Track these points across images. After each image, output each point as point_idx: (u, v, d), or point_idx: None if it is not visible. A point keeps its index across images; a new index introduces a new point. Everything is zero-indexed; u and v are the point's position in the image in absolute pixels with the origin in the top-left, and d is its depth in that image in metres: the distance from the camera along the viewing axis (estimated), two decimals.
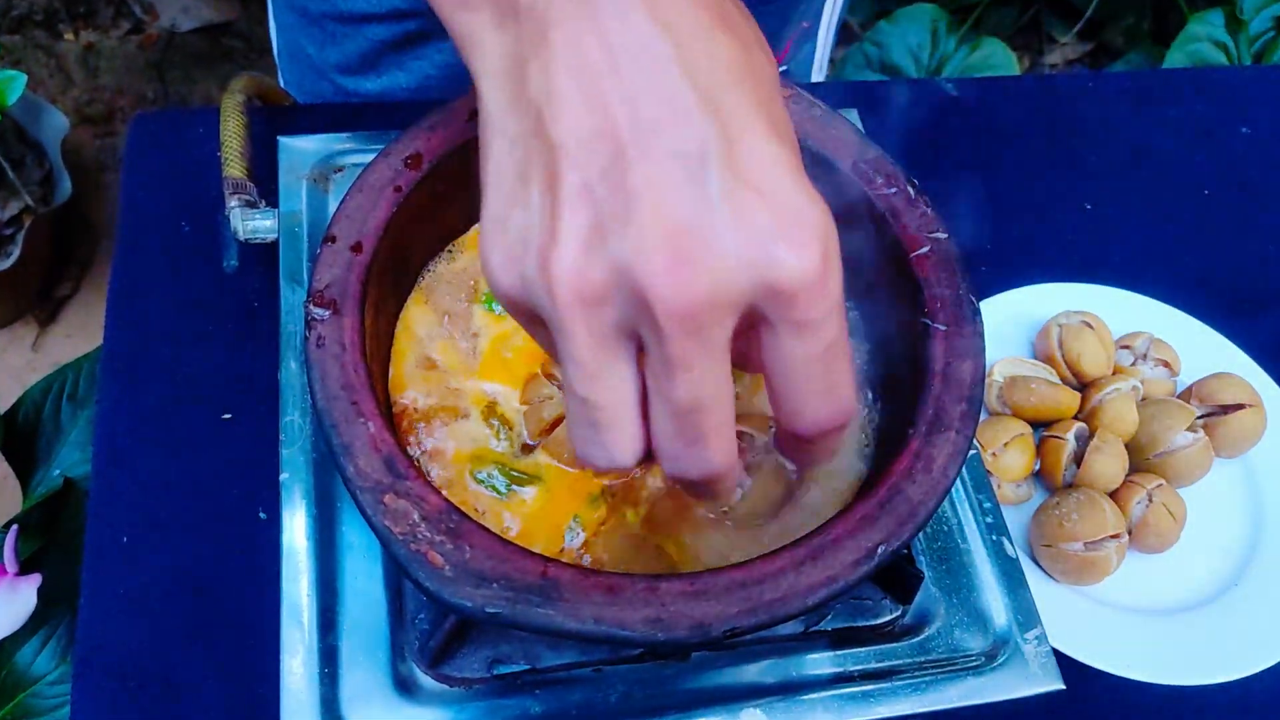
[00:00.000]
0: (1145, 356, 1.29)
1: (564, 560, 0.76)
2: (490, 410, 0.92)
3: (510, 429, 0.91)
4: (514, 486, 0.89)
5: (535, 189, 0.60)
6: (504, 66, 0.64)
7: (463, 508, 0.77)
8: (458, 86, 0.90)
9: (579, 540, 0.87)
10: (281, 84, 1.62)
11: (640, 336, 0.60)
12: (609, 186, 0.58)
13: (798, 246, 0.57)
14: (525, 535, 0.87)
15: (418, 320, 0.95)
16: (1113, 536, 1.14)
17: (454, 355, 0.94)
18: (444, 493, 0.77)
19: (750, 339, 0.63)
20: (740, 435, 0.90)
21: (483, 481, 0.88)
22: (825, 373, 0.63)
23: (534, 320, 0.63)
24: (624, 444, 0.64)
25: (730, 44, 0.61)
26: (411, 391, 0.92)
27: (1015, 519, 1.19)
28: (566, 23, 0.60)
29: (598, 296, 0.58)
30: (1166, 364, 1.28)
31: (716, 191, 0.57)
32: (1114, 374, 1.26)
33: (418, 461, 0.87)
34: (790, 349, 0.61)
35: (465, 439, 0.90)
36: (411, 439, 0.89)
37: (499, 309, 0.96)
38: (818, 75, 1.73)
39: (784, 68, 1.60)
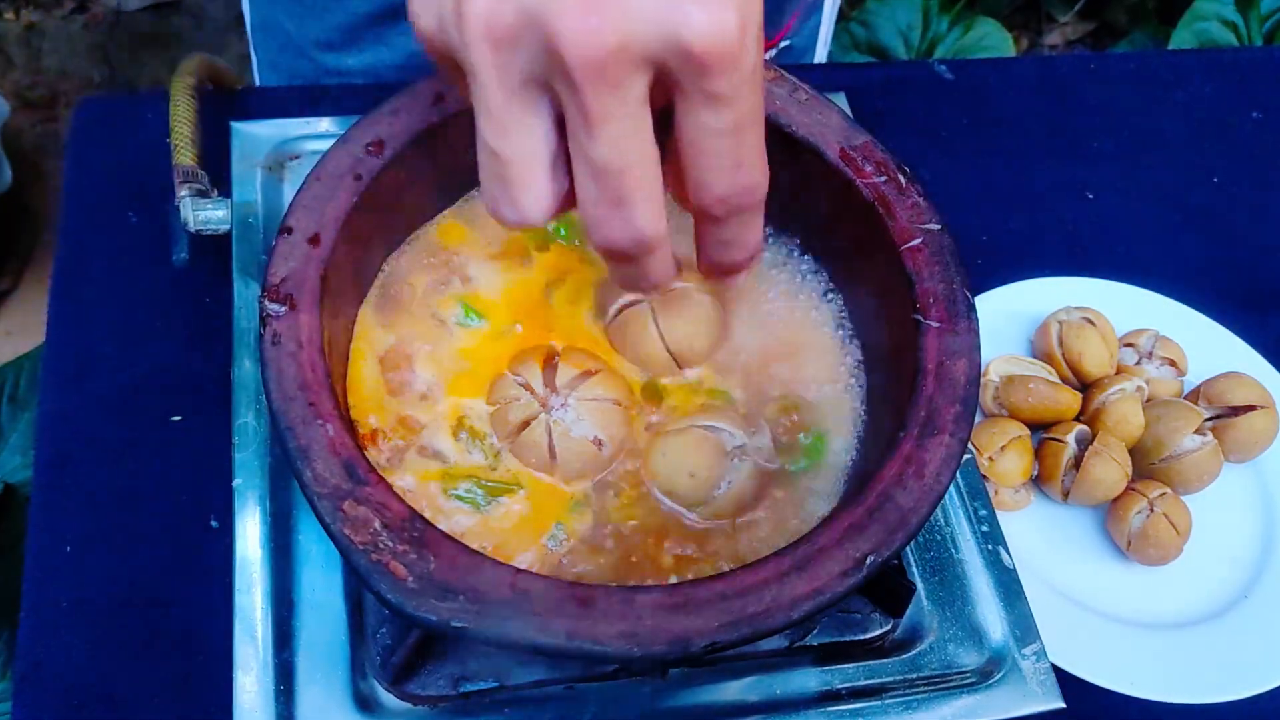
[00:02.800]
0: (1150, 355, 1.29)
1: (539, 570, 0.77)
2: (459, 424, 0.92)
3: (482, 440, 0.91)
4: (494, 498, 0.89)
5: None
6: None
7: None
8: None
9: (564, 547, 0.87)
10: (254, 65, 1.63)
11: (556, 94, 0.64)
12: None
13: (711, 8, 0.59)
14: (508, 546, 0.87)
15: (376, 321, 0.95)
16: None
17: (418, 366, 0.94)
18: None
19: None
20: (714, 431, 0.91)
21: (461, 497, 0.88)
22: (734, 148, 0.66)
23: (454, 68, 0.67)
24: (532, 200, 0.69)
25: None
26: (372, 406, 0.92)
27: (1012, 527, 1.19)
28: None
29: (508, 38, 0.61)
30: (1173, 363, 1.28)
31: None
32: (1117, 373, 1.27)
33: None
34: (701, 121, 0.65)
35: (434, 458, 0.91)
36: (373, 453, 0.89)
37: (463, 320, 0.96)
38: (822, 49, 1.74)
39: (787, 42, 1.61)
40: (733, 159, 0.67)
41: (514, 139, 0.66)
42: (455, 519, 0.87)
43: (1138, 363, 1.29)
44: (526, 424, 0.90)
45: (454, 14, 0.62)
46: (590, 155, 0.64)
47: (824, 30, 1.71)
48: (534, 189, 0.68)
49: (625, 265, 0.72)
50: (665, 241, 0.70)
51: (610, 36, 0.59)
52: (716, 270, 0.80)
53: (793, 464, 0.92)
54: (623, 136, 0.63)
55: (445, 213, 1.01)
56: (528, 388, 0.92)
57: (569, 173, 0.68)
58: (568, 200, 0.70)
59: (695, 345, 0.96)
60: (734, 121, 0.65)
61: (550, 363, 0.93)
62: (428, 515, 0.76)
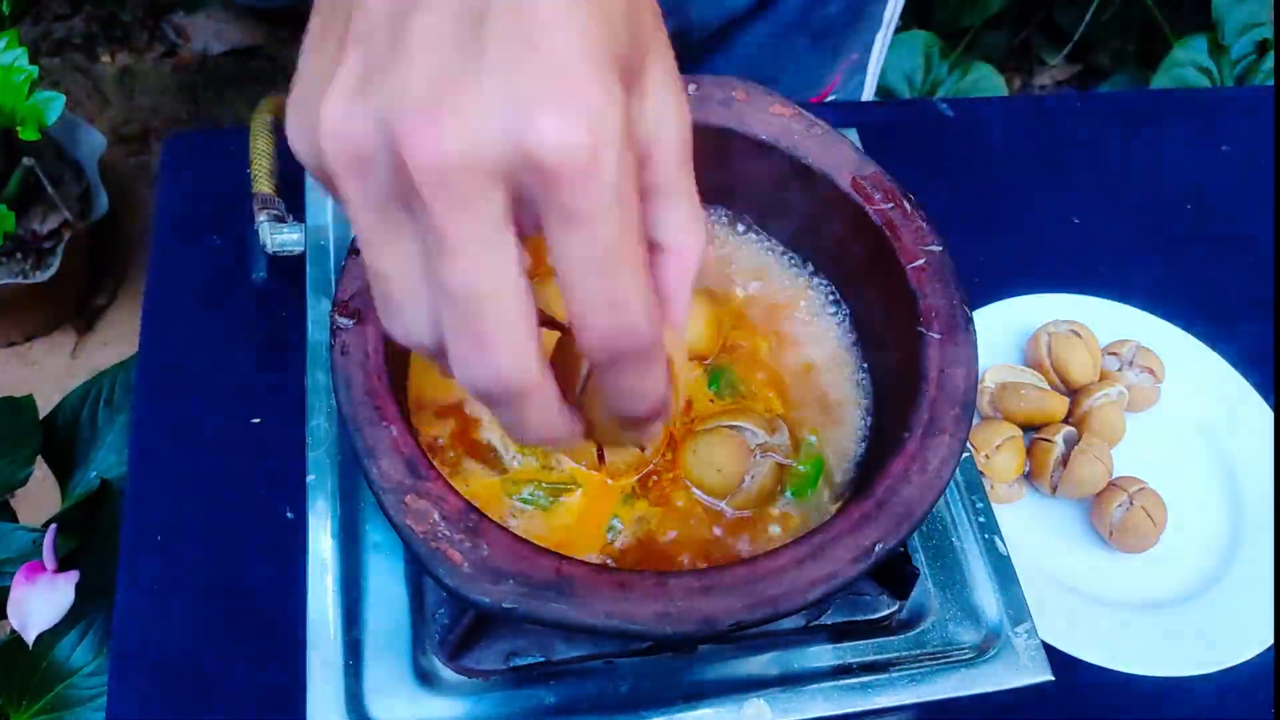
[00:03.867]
0: (1131, 363, 1.28)
1: (580, 558, 0.76)
2: None
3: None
4: (555, 498, 0.89)
5: (332, 39, 0.53)
6: None
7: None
8: None
9: (622, 539, 0.88)
10: None
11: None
12: (387, 34, 0.50)
13: (561, 115, 0.48)
14: (573, 543, 0.87)
15: None
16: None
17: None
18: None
19: None
20: (739, 430, 0.91)
21: (526, 500, 0.88)
22: (606, 283, 0.52)
23: (332, 186, 0.55)
24: (415, 321, 0.56)
25: None
26: (430, 416, 0.92)
27: (1006, 518, 1.19)
28: None
29: (362, 154, 0.51)
30: (1151, 370, 1.28)
31: (491, 44, 0.48)
32: (1101, 380, 1.26)
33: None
34: (566, 249, 0.51)
35: (494, 463, 0.91)
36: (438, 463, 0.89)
37: None
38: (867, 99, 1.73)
39: (833, 97, 1.60)
40: (606, 296, 0.52)
41: (388, 258, 0.54)
42: (522, 523, 0.88)
43: (1119, 370, 1.29)
44: None
45: (312, 129, 0.52)
46: (444, 282, 0.52)
47: (868, 85, 1.70)
48: (417, 310, 0.55)
49: (499, 410, 0.58)
50: (540, 389, 0.56)
51: (452, 145, 0.48)
52: (622, 422, 0.63)
53: (796, 492, 0.93)
54: (477, 261, 0.51)
55: None
56: None
57: None
58: None
59: (699, 341, 0.96)
60: (601, 249, 0.51)
61: None
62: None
